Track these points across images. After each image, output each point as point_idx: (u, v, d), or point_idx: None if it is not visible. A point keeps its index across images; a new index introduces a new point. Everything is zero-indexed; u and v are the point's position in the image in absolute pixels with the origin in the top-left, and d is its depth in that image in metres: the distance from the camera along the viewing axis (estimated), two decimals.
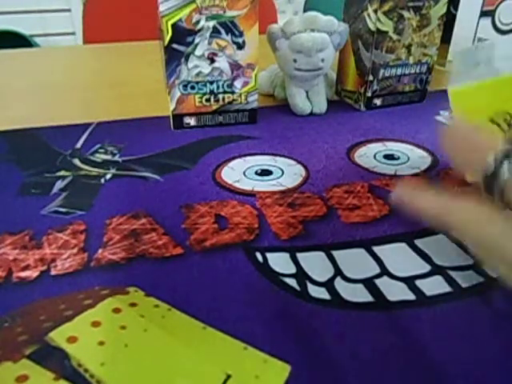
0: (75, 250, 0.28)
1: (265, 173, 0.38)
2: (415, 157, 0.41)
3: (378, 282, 0.26)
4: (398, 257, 0.28)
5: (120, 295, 0.24)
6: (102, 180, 0.37)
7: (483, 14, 0.67)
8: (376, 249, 0.29)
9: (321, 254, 0.28)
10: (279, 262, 0.27)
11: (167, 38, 0.42)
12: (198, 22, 0.42)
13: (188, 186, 0.36)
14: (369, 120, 0.50)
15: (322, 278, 0.26)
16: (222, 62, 0.44)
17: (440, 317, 0.23)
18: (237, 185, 0.36)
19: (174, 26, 0.41)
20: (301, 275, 0.26)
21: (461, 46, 0.71)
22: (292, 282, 0.26)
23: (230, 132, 0.46)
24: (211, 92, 0.45)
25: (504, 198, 0.22)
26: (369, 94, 0.51)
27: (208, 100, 0.46)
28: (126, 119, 0.50)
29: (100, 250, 0.28)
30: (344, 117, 0.51)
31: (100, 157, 0.41)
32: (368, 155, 0.42)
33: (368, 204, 0.33)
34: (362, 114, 0.52)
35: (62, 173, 0.38)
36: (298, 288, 0.25)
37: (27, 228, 0.30)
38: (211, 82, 0.45)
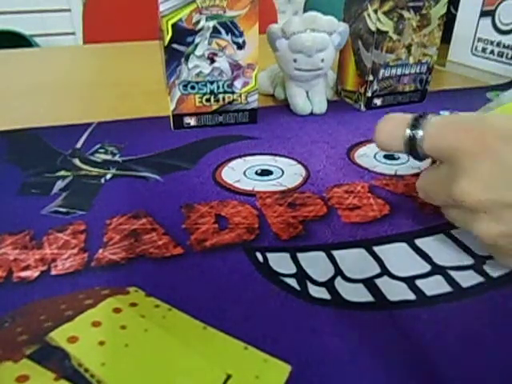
0: (75, 250, 0.28)
1: (265, 173, 0.38)
2: None
3: (378, 281, 0.26)
4: (399, 257, 0.28)
5: (120, 295, 0.24)
6: (102, 180, 0.37)
7: (483, 13, 0.67)
8: (376, 249, 0.29)
9: (321, 254, 0.28)
10: (279, 261, 0.27)
11: (167, 38, 0.42)
12: (198, 22, 0.42)
13: (188, 186, 0.36)
14: (369, 120, 0.50)
15: (322, 278, 0.26)
16: (222, 62, 0.44)
17: (440, 317, 0.23)
18: (237, 185, 0.36)
19: (174, 25, 0.41)
20: (301, 275, 0.26)
21: (461, 46, 0.71)
22: (292, 281, 0.26)
23: (230, 132, 0.46)
24: (211, 92, 0.45)
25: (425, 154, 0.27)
26: (369, 94, 0.51)
27: (208, 100, 0.46)
28: (125, 119, 0.50)
29: (100, 250, 0.28)
30: (344, 117, 0.51)
31: (100, 157, 0.41)
32: (368, 155, 0.42)
33: (368, 204, 0.33)
34: (362, 114, 0.52)
35: (62, 173, 0.38)
36: (298, 288, 0.25)
37: (27, 228, 0.30)
38: (211, 82, 0.45)
